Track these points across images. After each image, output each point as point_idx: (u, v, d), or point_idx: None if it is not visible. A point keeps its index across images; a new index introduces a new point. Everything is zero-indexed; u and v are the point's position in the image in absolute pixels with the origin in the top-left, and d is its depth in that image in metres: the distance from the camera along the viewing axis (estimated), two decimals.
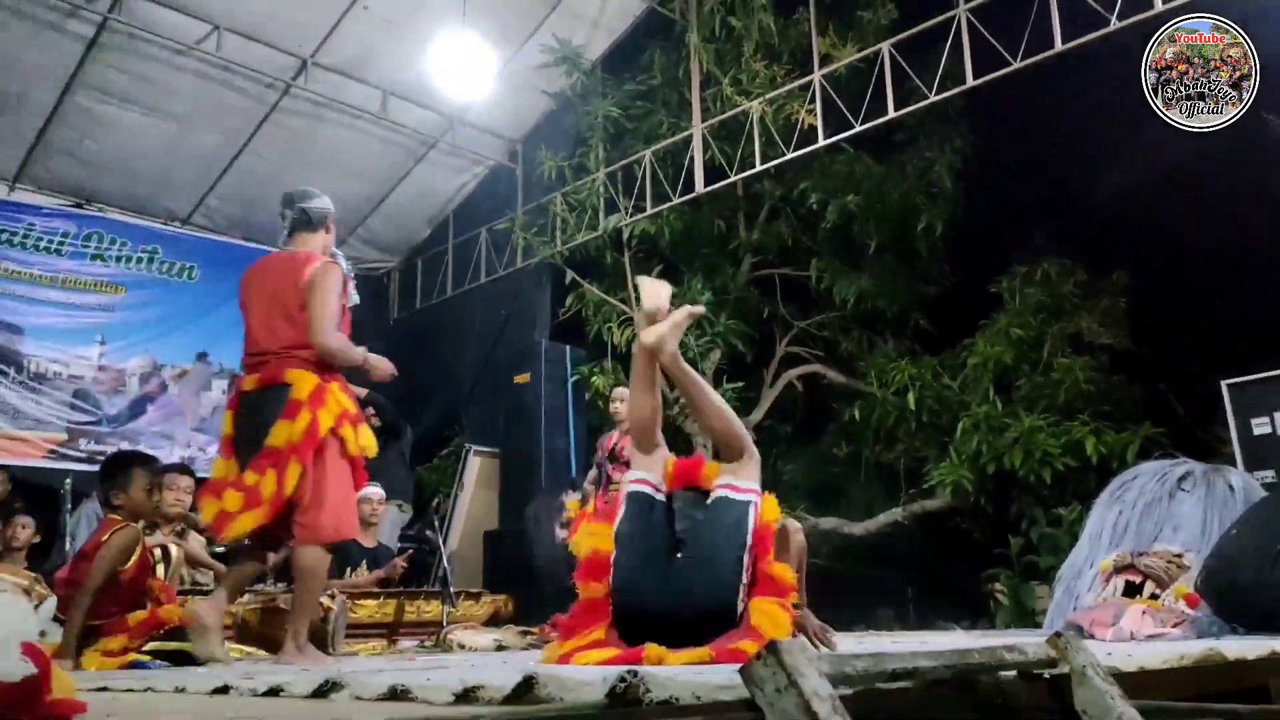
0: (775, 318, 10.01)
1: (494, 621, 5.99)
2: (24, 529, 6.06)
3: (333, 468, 3.60)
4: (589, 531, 2.99)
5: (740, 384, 9.29)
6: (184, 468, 5.55)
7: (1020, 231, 8.85)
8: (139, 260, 9.46)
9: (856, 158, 9.24)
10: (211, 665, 3.34)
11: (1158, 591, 4.05)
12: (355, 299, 4.01)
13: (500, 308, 10.39)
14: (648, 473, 3.04)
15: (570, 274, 9.90)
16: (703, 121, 8.83)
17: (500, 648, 4.91)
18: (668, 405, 8.87)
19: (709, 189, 8.71)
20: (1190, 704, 1.91)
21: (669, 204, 8.99)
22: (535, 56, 9.45)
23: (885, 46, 7.72)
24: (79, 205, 9.30)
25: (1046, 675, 1.70)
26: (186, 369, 9.72)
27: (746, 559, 2.80)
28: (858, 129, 7.73)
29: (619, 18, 9.72)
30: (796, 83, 8.49)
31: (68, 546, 6.19)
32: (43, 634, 3.28)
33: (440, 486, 10.10)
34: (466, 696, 1.44)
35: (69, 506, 6.61)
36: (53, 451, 8.68)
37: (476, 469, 9.55)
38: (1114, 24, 6.42)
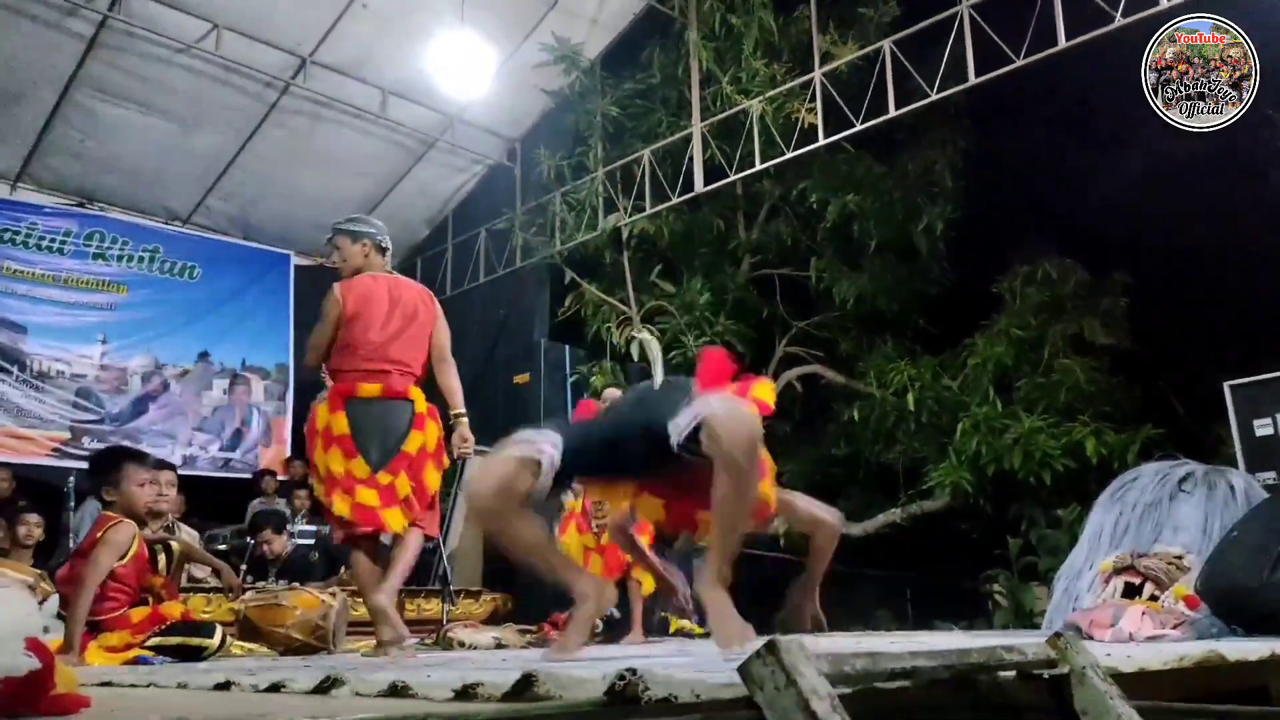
0: (774, 318, 10.01)
1: (493, 620, 6.01)
2: (36, 526, 6.08)
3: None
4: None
5: None
6: (165, 464, 5.54)
7: (1021, 231, 8.86)
8: (140, 259, 9.47)
9: (857, 157, 9.23)
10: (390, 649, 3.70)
11: (1157, 593, 4.05)
12: None
13: (499, 307, 10.40)
14: None
15: (569, 274, 9.90)
16: (702, 120, 8.82)
17: (500, 645, 4.92)
18: None
19: (708, 188, 8.71)
20: (1190, 705, 1.92)
21: (668, 203, 8.98)
22: (534, 55, 9.45)
23: (886, 44, 7.70)
24: (81, 204, 9.32)
25: (1046, 676, 1.70)
26: (188, 368, 9.74)
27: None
28: (858, 128, 7.72)
29: (618, 16, 9.72)
30: (796, 81, 8.48)
31: (71, 544, 6.20)
32: (46, 630, 3.29)
33: (438, 486, 10.09)
34: (466, 693, 1.45)
35: (72, 504, 6.63)
36: (56, 450, 8.70)
37: (475, 469, 9.54)
38: (1118, 21, 6.40)
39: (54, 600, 3.87)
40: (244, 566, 6.15)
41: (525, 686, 1.39)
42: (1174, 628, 3.77)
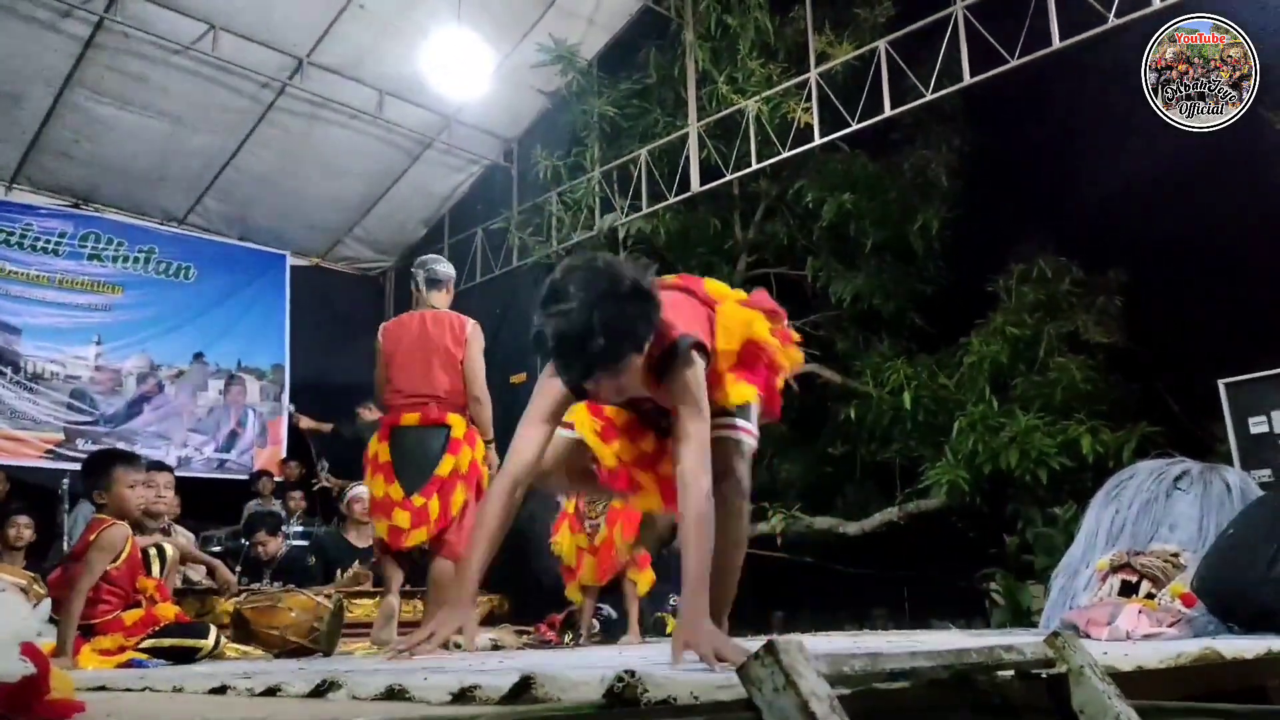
0: None
1: (489, 620, 6.00)
2: (26, 528, 6.07)
3: (477, 496, 4.35)
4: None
5: None
6: (162, 465, 5.54)
7: (1017, 230, 8.85)
8: (136, 260, 9.46)
9: (853, 156, 9.23)
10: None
11: (1154, 591, 4.05)
12: None
13: (495, 307, 10.38)
14: None
15: None
16: (698, 120, 8.83)
17: (496, 647, 4.91)
18: None
19: (705, 188, 8.71)
20: (1187, 703, 1.92)
21: (665, 203, 8.99)
22: (530, 55, 9.44)
23: (882, 44, 7.72)
24: (76, 205, 9.30)
25: (1044, 675, 1.70)
26: (183, 369, 9.72)
27: None
28: (854, 127, 7.73)
29: (614, 16, 9.72)
30: (792, 81, 8.48)
31: (65, 546, 6.20)
32: (39, 634, 3.28)
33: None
34: (464, 696, 1.44)
35: (66, 506, 6.62)
36: (50, 451, 8.68)
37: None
38: (1111, 21, 6.43)
39: (47, 603, 3.85)
40: (239, 568, 6.14)
41: (523, 689, 1.39)
42: (1171, 625, 3.78)
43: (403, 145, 10.02)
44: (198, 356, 9.84)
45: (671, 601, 5.88)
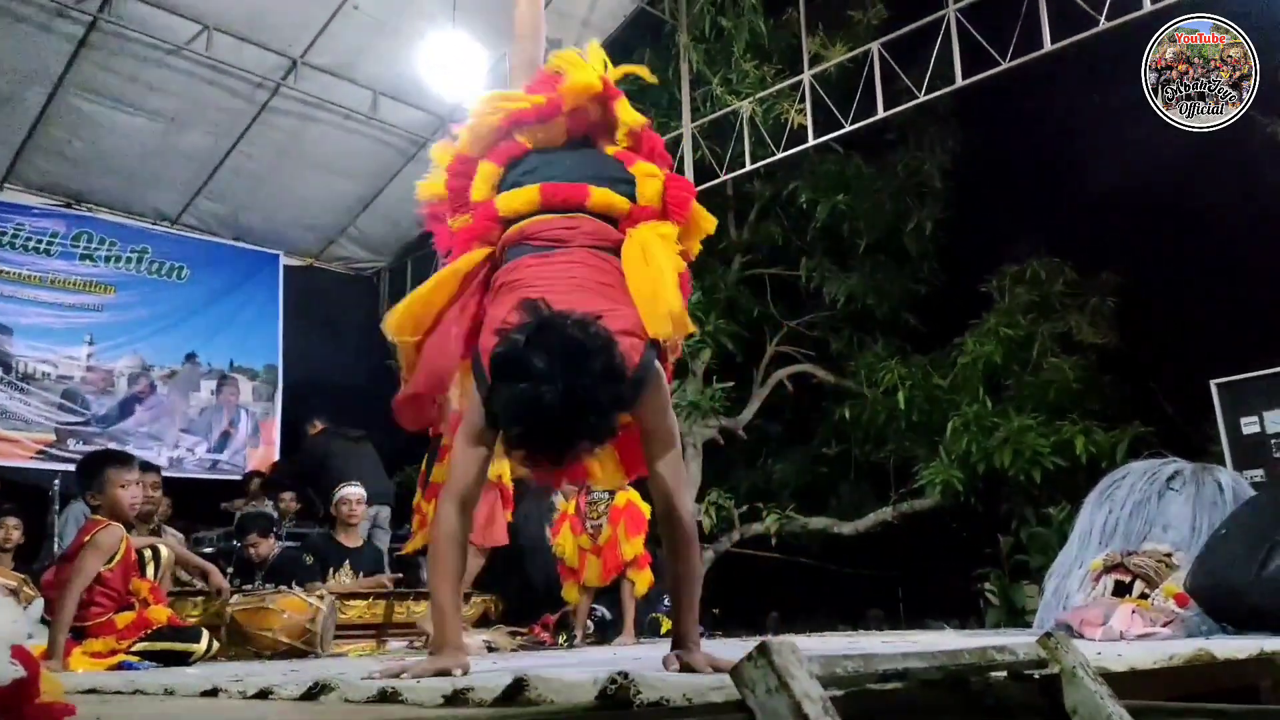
0: (765, 317, 10.02)
1: (483, 622, 5.98)
2: (15, 529, 6.04)
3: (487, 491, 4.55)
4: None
5: (730, 384, 9.29)
6: (149, 465, 5.52)
7: (1010, 231, 8.88)
8: (128, 260, 9.42)
9: (846, 157, 9.25)
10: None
11: (1147, 591, 4.05)
12: None
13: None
14: None
15: None
16: (693, 121, 8.83)
17: (490, 648, 4.90)
18: None
19: (699, 188, 8.68)
20: (1180, 704, 1.92)
21: None
22: None
23: (875, 46, 7.73)
24: (68, 205, 9.26)
25: (1037, 675, 1.71)
26: (175, 369, 9.68)
27: None
28: (847, 129, 7.74)
29: (609, 18, 9.71)
30: (786, 82, 8.49)
31: (55, 547, 6.17)
32: (30, 636, 3.27)
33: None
34: (456, 699, 1.44)
35: (57, 507, 6.59)
36: (41, 452, 8.64)
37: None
38: (1102, 24, 6.44)
39: (38, 605, 3.85)
40: (230, 569, 6.12)
41: (516, 691, 1.39)
42: (1164, 626, 3.78)
43: (397, 145, 9.99)
44: (190, 357, 9.81)
45: (666, 602, 5.87)
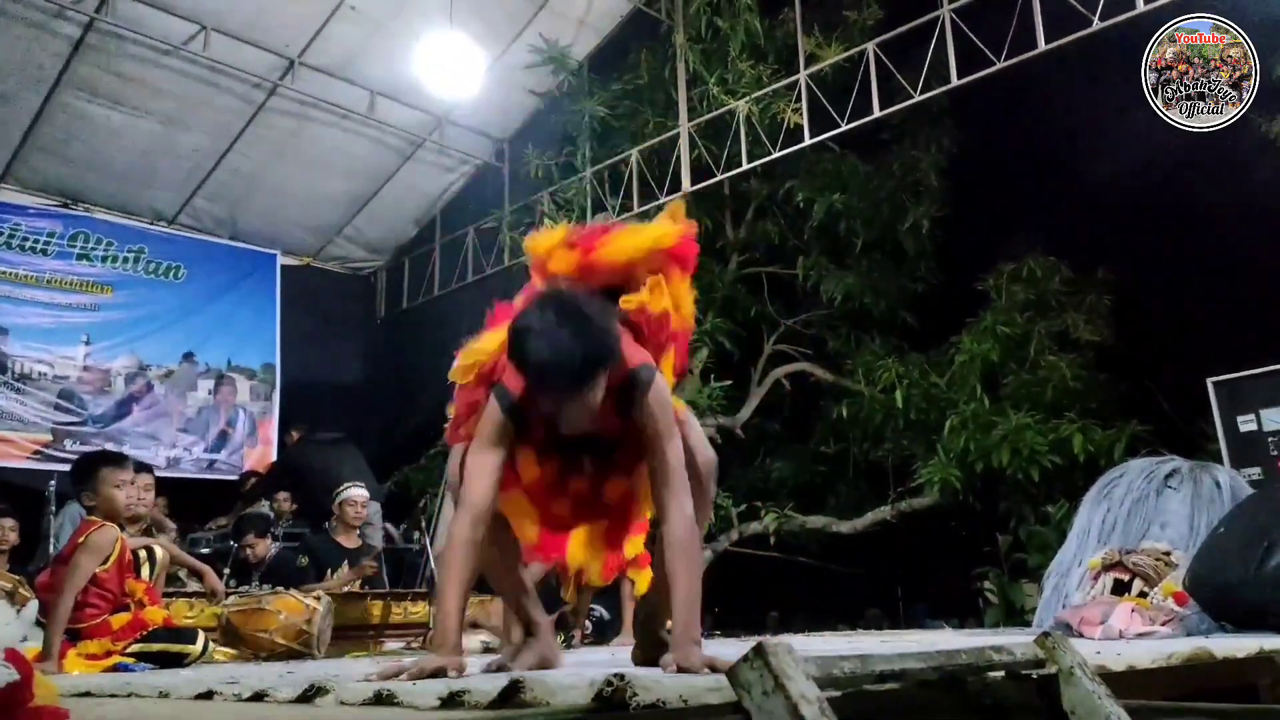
0: (763, 316, 10.02)
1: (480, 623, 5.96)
2: (10, 530, 6.02)
3: None
4: None
5: (728, 382, 9.29)
6: (142, 465, 5.50)
7: (1006, 229, 8.88)
8: (125, 260, 9.40)
9: (842, 156, 9.26)
10: None
11: (1146, 589, 4.05)
12: None
13: (487, 307, 10.34)
14: None
15: None
16: (689, 121, 8.83)
17: (487, 649, 4.89)
18: None
19: (696, 188, 8.71)
20: (1178, 703, 1.92)
21: (656, 203, 8.97)
22: (522, 56, 9.42)
23: (870, 46, 7.73)
24: (65, 205, 9.25)
25: (1034, 675, 1.70)
26: (172, 369, 9.67)
27: None
28: (843, 128, 7.75)
29: (605, 18, 9.72)
30: (782, 82, 8.49)
31: (52, 549, 6.14)
32: (24, 639, 3.26)
33: (427, 487, 10.07)
34: (452, 701, 1.44)
35: (53, 508, 6.56)
36: (37, 453, 8.62)
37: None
38: (1096, 24, 6.45)
39: (32, 606, 3.83)
40: (227, 570, 6.10)
41: (512, 694, 1.38)
42: (1163, 624, 3.78)
43: (394, 145, 9.99)
44: (187, 356, 9.79)
45: None
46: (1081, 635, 3.74)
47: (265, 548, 6.40)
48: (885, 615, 9.37)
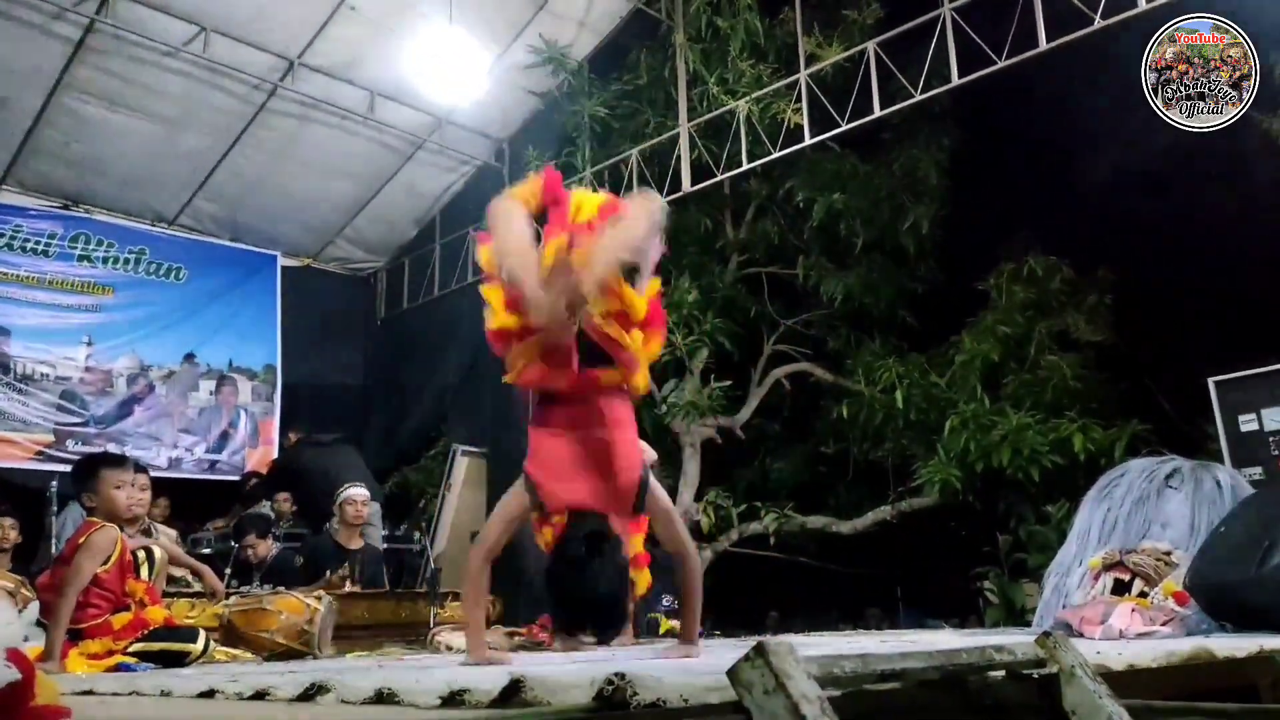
0: (762, 316, 10.02)
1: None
2: (11, 530, 6.03)
3: None
4: None
5: (728, 382, 9.29)
6: (138, 466, 5.50)
7: (1007, 229, 8.88)
8: (126, 261, 9.41)
9: (843, 156, 9.25)
10: None
11: (1146, 589, 4.05)
12: None
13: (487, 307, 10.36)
14: None
15: None
16: (689, 121, 8.82)
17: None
18: (653, 405, 8.89)
19: (696, 188, 8.70)
20: (1179, 703, 1.92)
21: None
22: (522, 57, 9.42)
23: (870, 45, 7.72)
24: (66, 206, 9.26)
25: (1035, 675, 1.70)
26: (174, 370, 9.68)
27: None
28: (844, 128, 7.73)
29: (605, 18, 9.71)
30: (782, 82, 8.48)
31: (54, 549, 6.15)
32: (25, 639, 3.26)
33: (428, 487, 10.08)
34: (453, 700, 1.44)
35: (55, 509, 6.57)
36: (40, 453, 8.63)
37: (464, 469, 9.53)
38: (1098, 23, 6.44)
39: (34, 607, 3.84)
40: (228, 570, 6.11)
41: (513, 692, 1.39)
42: (1164, 624, 3.78)
43: (394, 146, 9.99)
44: (188, 357, 9.81)
45: (664, 602, 5.87)
46: (1082, 635, 3.74)
47: (266, 548, 6.40)
48: (885, 615, 9.37)
